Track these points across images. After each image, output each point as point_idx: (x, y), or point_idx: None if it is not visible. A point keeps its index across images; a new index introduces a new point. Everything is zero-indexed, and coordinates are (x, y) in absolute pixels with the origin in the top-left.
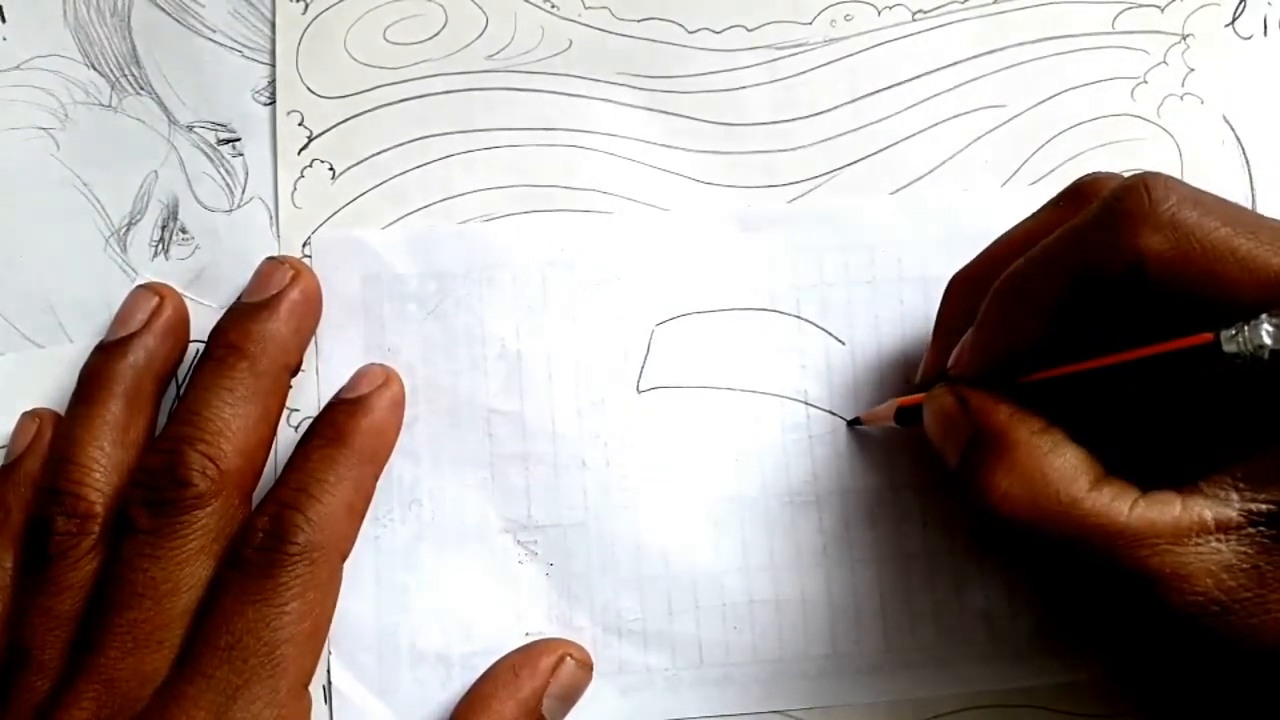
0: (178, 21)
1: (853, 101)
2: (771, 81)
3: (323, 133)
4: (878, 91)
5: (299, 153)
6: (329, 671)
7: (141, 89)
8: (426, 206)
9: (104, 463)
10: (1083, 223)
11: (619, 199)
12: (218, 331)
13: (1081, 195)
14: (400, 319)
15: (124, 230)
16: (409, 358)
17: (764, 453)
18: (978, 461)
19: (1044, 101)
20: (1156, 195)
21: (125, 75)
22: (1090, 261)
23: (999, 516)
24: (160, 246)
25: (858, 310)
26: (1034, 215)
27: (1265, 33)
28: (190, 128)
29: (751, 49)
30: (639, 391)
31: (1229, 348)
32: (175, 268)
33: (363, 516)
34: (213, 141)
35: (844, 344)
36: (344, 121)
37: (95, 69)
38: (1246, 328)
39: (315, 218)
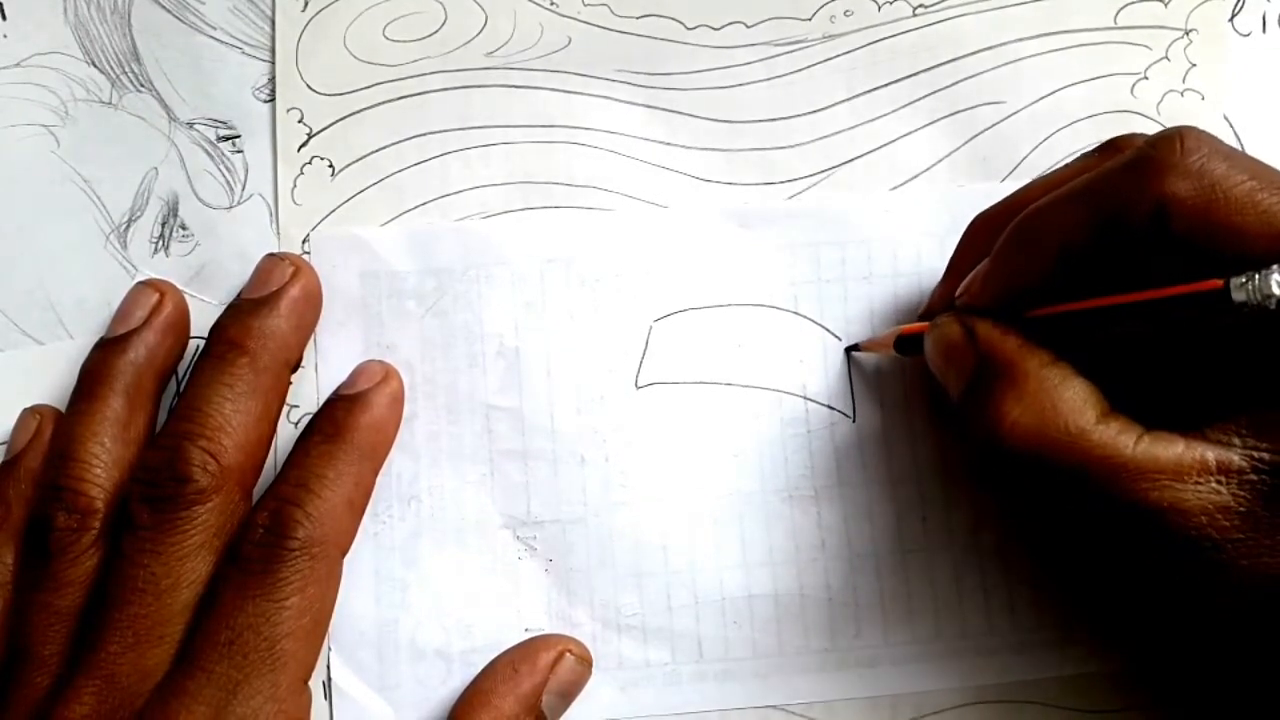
0: (178, 19)
1: (851, 98)
2: (770, 78)
3: (322, 129)
4: (877, 88)
5: (299, 149)
6: (329, 667)
7: (142, 86)
8: (426, 203)
9: (104, 459)
10: (1113, 166)
11: (618, 196)
12: (218, 328)
13: (1115, 147)
14: (399, 316)
15: (124, 227)
16: (408, 354)
17: (762, 448)
18: (985, 391)
19: (1044, 98)
20: (1189, 145)
21: (125, 72)
22: (1114, 203)
23: (1006, 445)
24: (160, 243)
25: (855, 306)
26: (1067, 165)
27: (1264, 29)
28: (190, 125)
29: (750, 45)
30: (637, 387)
31: (1238, 295)
32: (175, 264)
33: (362, 512)
34: (213, 138)
35: (841, 339)
36: (344, 118)
37: (95, 66)
38: (1257, 276)
39: (315, 214)
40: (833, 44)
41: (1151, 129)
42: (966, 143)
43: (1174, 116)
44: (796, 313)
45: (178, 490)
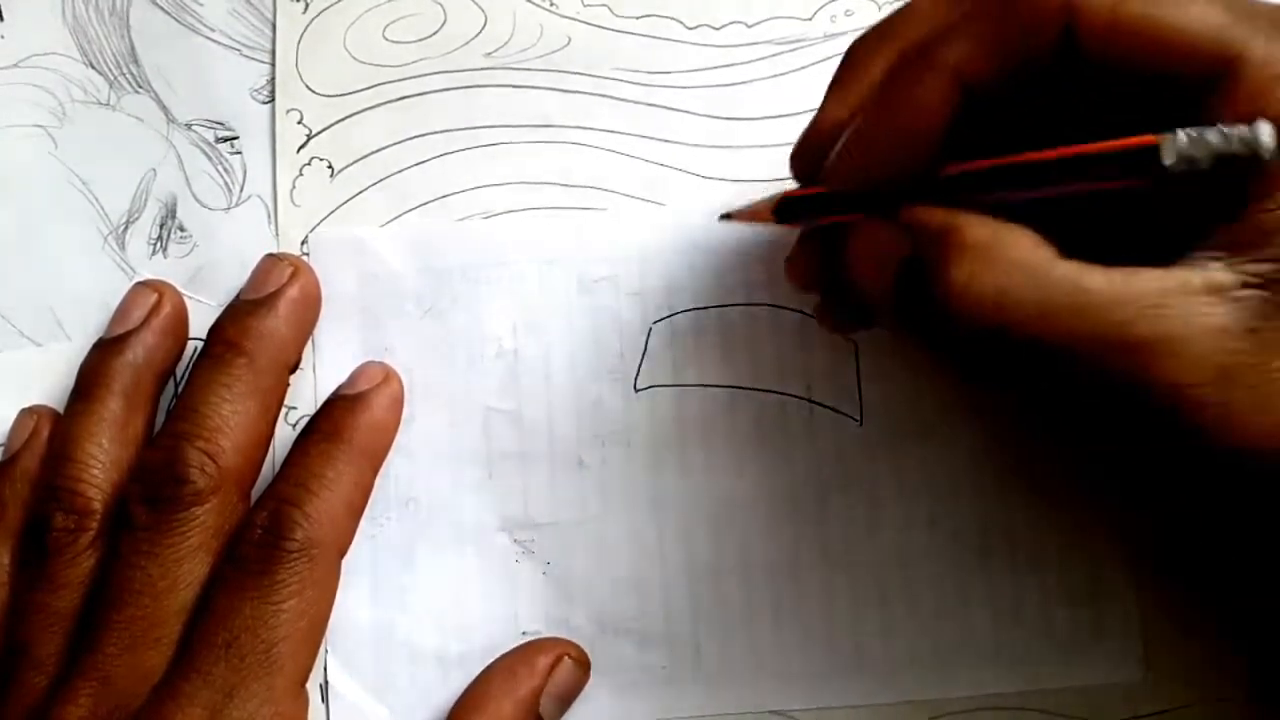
0: (176, 20)
1: None
2: (772, 77)
3: (321, 130)
4: None
5: (298, 150)
6: (326, 670)
7: (140, 87)
8: (425, 204)
9: (102, 460)
10: None
11: (618, 195)
12: (216, 329)
13: None
14: (398, 317)
15: (122, 228)
16: (406, 356)
17: (765, 452)
18: (927, 269)
19: None
20: None
21: (124, 73)
22: (1014, 16)
23: (964, 317)
24: (158, 244)
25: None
26: None
27: None
28: (189, 126)
29: (751, 44)
30: (636, 390)
31: (1168, 160)
32: (173, 266)
33: (361, 513)
34: (211, 140)
35: (851, 340)
36: (343, 119)
37: (94, 67)
38: (1189, 135)
39: (314, 215)
40: (834, 43)
41: None
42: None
43: None
44: (802, 311)
45: (175, 491)
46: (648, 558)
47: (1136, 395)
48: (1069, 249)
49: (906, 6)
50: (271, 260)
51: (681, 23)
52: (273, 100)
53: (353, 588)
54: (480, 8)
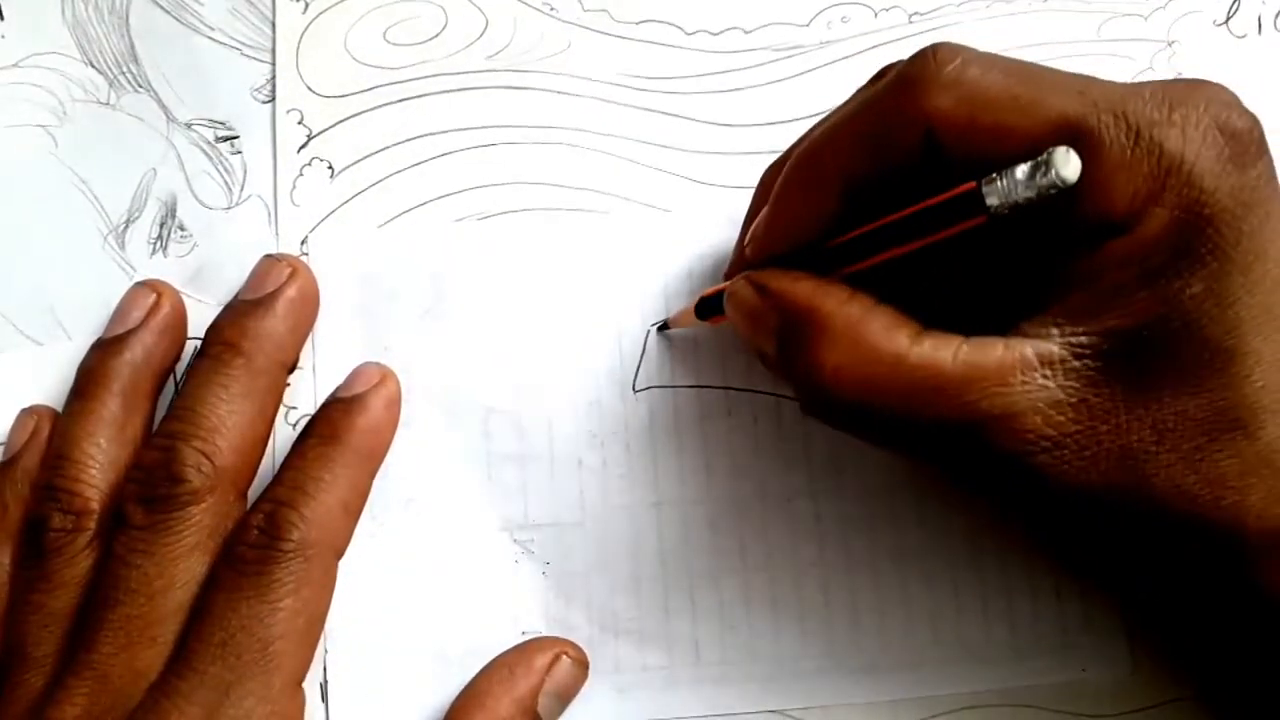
0: (176, 19)
1: None
2: (769, 83)
3: (322, 131)
4: None
5: (298, 151)
6: (325, 670)
7: (140, 87)
8: (424, 204)
9: (100, 460)
10: (872, 92)
11: (617, 199)
12: (214, 329)
13: (882, 75)
14: (397, 319)
15: (122, 228)
16: (405, 357)
17: (761, 451)
18: (796, 344)
19: None
20: (942, 57)
21: (124, 73)
22: (880, 128)
23: (833, 395)
24: (158, 244)
25: None
26: (843, 102)
27: (1259, 31)
28: (189, 125)
29: (749, 51)
30: (635, 391)
31: (991, 199)
32: (173, 265)
33: (358, 515)
34: (211, 139)
35: None
36: (343, 120)
37: (94, 67)
38: (1004, 176)
39: (314, 216)
40: (830, 50)
41: None
42: None
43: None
44: None
45: (172, 491)
46: (646, 558)
47: (986, 460)
48: (932, 315)
49: (803, 136)
50: (270, 260)
51: (680, 28)
52: (273, 100)
53: (352, 587)
54: (481, 11)
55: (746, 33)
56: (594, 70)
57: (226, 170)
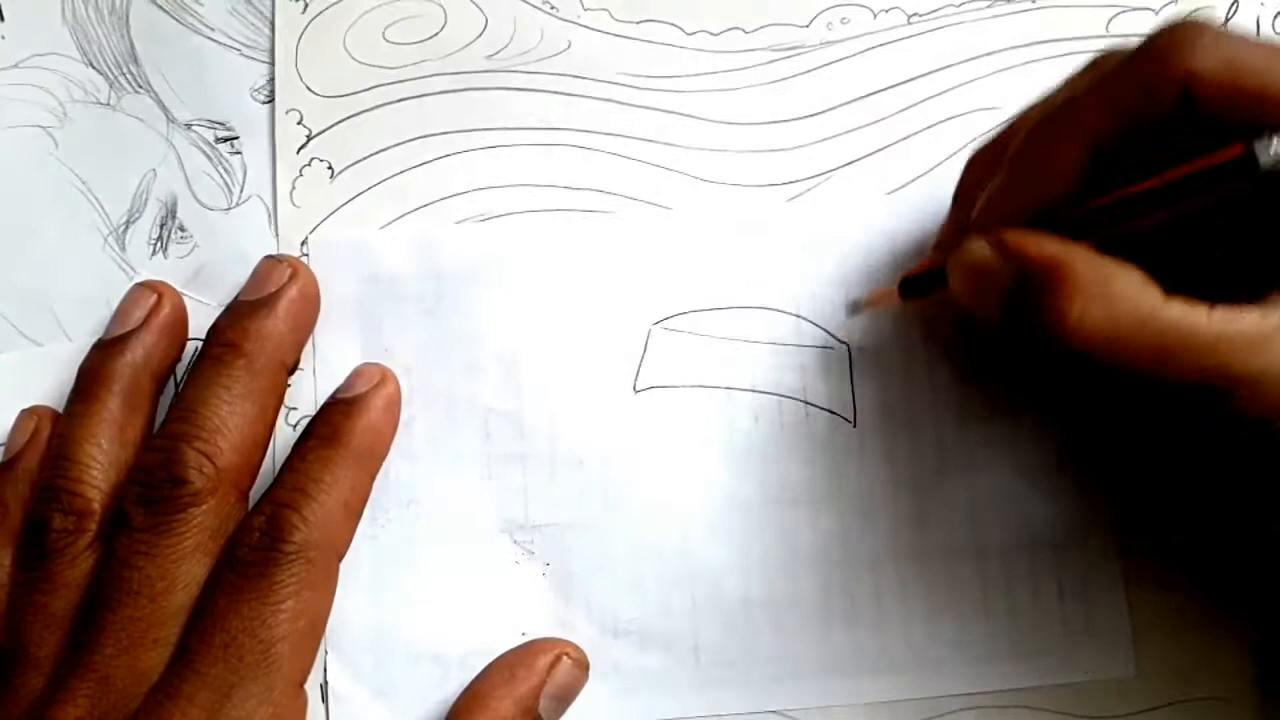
0: (176, 20)
1: (849, 103)
2: (769, 83)
3: (321, 131)
4: (874, 93)
5: (298, 151)
6: (325, 671)
7: (140, 87)
8: (425, 206)
9: (102, 460)
10: (1131, 56)
11: (618, 198)
12: (215, 330)
13: (1105, 58)
14: (397, 319)
15: (122, 228)
16: (406, 358)
17: (762, 452)
18: (1036, 298)
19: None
20: (1203, 24)
21: (124, 73)
22: (1139, 89)
23: (1076, 344)
24: (159, 245)
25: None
26: (1057, 87)
27: (1258, 31)
28: (189, 126)
29: (749, 51)
30: (636, 391)
31: (1264, 159)
32: (174, 266)
33: (359, 516)
34: (211, 140)
35: (845, 343)
36: (343, 120)
37: (94, 67)
38: (1276, 135)
39: (314, 216)
40: (830, 50)
41: None
42: (963, 147)
43: None
44: (797, 315)
45: (173, 492)
46: (647, 558)
47: (1232, 424)
48: (1175, 288)
49: (1018, 120)
50: (270, 262)
51: (680, 28)
52: (273, 100)
53: (353, 589)
54: (481, 10)
55: (747, 33)
56: (594, 70)
57: (226, 171)
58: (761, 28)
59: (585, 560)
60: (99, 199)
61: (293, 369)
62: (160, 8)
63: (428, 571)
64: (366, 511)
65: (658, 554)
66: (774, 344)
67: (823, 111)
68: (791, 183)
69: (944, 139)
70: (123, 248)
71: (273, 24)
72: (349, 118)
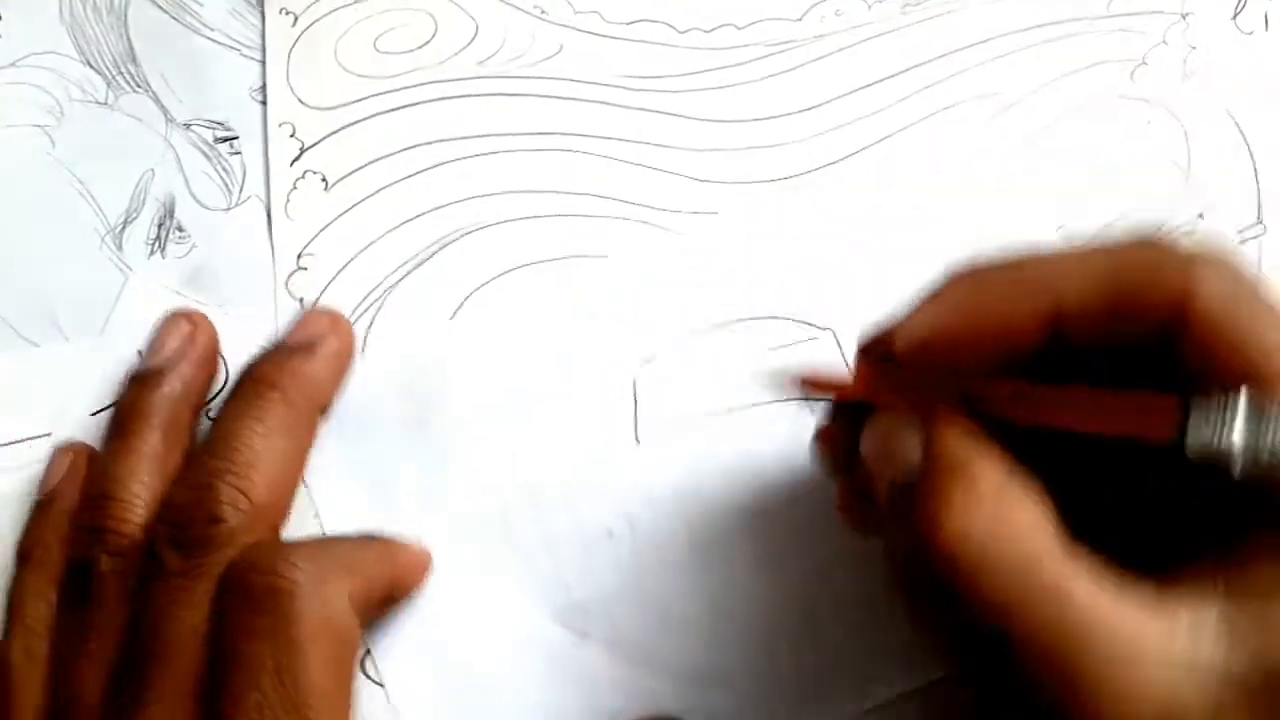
0: (175, 19)
1: (846, 95)
2: (764, 78)
3: (314, 144)
4: (870, 85)
5: (291, 164)
6: None
7: (138, 87)
8: (421, 215)
9: (145, 498)
10: (1142, 238)
11: (615, 202)
12: (250, 368)
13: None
14: (381, 438)
15: (120, 228)
16: (400, 473)
17: (781, 461)
18: (932, 488)
19: (1039, 89)
20: (1221, 253)
21: (122, 73)
22: (1135, 276)
23: (945, 551)
24: (157, 245)
25: (854, 303)
26: (1077, 247)
27: (1266, 27)
28: (187, 126)
29: (742, 47)
30: (638, 443)
31: (1192, 444)
32: (172, 266)
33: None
34: (210, 140)
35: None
36: (336, 132)
37: (91, 66)
38: (1218, 409)
39: (309, 229)
40: (824, 43)
41: (1155, 114)
42: (963, 138)
43: (1177, 100)
44: (807, 322)
45: (206, 531)
46: (703, 606)
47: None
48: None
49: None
50: (313, 313)
51: (672, 27)
52: (265, 106)
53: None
54: (471, 17)
55: (739, 29)
56: (587, 72)
57: (225, 170)
58: (754, 23)
59: (643, 625)
60: (96, 199)
61: (325, 411)
62: (159, 7)
63: (498, 680)
64: (421, 631)
65: (709, 600)
66: (772, 349)
67: (818, 105)
68: (788, 178)
69: (943, 129)
70: (120, 248)
71: (263, 36)
72: (342, 129)
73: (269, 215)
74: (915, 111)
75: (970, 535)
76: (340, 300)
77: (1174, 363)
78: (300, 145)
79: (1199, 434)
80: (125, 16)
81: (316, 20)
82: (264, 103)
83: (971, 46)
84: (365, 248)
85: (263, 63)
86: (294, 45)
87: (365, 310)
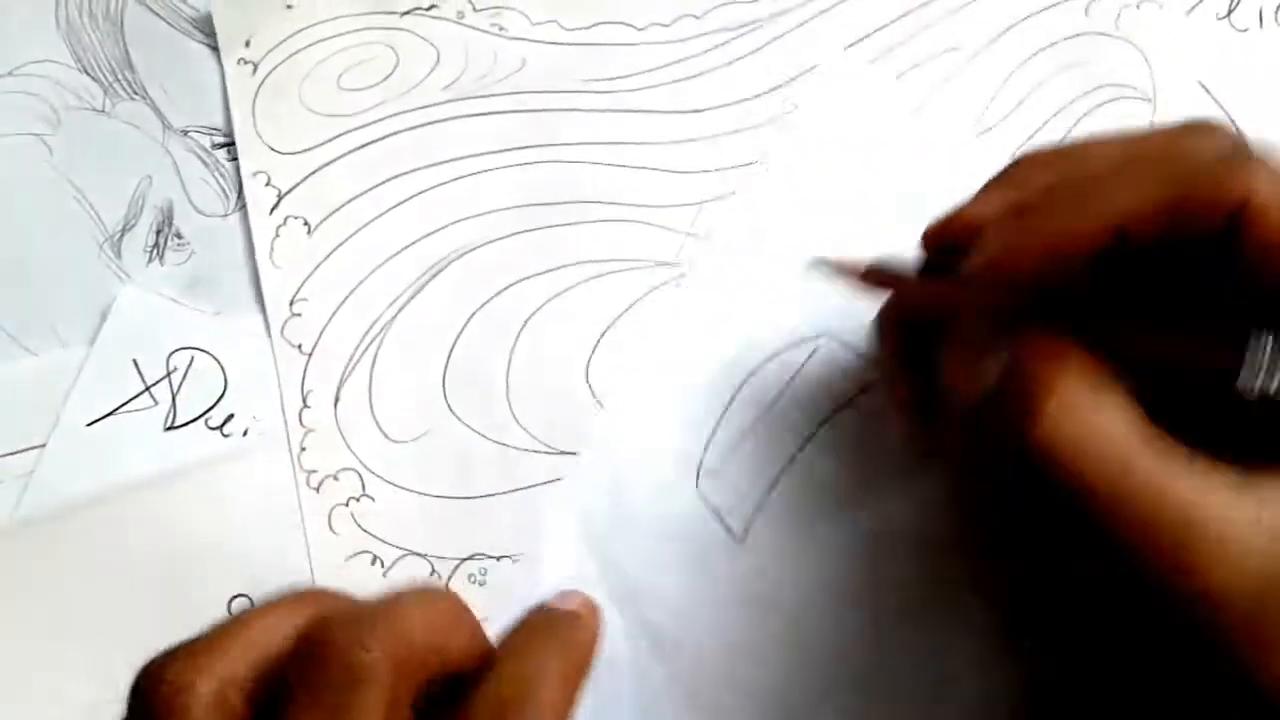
0: (171, 26)
1: (815, 68)
2: (731, 62)
3: (291, 189)
4: (835, 56)
5: (270, 212)
6: None
7: (135, 94)
8: (408, 247)
9: None
10: (1200, 148)
11: (599, 204)
12: None
13: (1145, 140)
14: None
15: (118, 236)
16: None
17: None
18: (1016, 393)
19: (1000, 36)
20: (1257, 151)
21: (118, 80)
22: (1185, 201)
23: (1038, 454)
24: (155, 252)
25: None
26: (1078, 143)
27: (1261, 24)
28: (185, 132)
29: (702, 35)
30: (740, 541)
31: (1244, 384)
32: (170, 273)
33: None
34: (208, 146)
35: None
36: (311, 174)
37: (88, 74)
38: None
39: (298, 275)
40: (783, 20)
41: (1113, 46)
42: (931, 94)
43: (1134, 30)
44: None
45: None
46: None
47: (1171, 600)
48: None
49: (1085, 145)
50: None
51: (631, 25)
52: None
53: None
54: (431, 44)
55: (698, 18)
56: (553, 82)
57: (222, 177)
58: (712, 10)
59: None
60: (94, 206)
61: None
62: (155, 14)
63: None
64: None
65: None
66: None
67: (788, 81)
68: (770, 158)
69: (912, 88)
70: (118, 255)
71: (224, 89)
72: (317, 171)
73: (255, 268)
74: (884, 73)
75: (1061, 433)
76: (339, 342)
77: (1233, 259)
78: (278, 193)
79: (1248, 377)
80: (122, 24)
81: (276, 66)
82: (235, 159)
83: (929, 4)
84: (357, 286)
85: (227, 116)
86: (257, 94)
87: (367, 348)
